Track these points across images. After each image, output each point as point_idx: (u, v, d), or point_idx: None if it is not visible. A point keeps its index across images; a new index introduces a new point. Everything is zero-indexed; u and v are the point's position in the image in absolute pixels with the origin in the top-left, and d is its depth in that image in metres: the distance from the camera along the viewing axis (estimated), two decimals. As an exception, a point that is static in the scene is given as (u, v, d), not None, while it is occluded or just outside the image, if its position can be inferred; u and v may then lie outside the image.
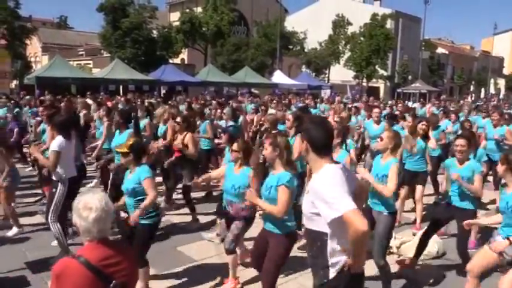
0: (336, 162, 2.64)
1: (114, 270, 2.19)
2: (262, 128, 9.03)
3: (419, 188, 6.72)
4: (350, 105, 15.58)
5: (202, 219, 6.85)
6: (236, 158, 4.52)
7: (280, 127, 7.61)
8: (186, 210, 6.88)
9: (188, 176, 6.72)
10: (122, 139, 5.87)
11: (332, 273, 2.52)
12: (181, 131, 6.86)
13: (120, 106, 12.63)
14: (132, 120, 7.35)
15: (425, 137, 6.76)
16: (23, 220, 6.51)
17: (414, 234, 5.99)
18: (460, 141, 4.89)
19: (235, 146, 4.53)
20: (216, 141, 8.82)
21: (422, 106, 18.43)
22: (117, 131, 6.71)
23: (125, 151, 4.28)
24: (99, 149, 7.55)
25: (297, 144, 5.67)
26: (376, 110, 8.55)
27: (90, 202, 2.20)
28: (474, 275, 4.07)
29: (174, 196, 7.56)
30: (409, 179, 6.69)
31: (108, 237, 2.28)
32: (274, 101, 15.74)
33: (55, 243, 5.38)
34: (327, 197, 2.36)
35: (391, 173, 4.27)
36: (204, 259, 5.35)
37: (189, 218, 6.77)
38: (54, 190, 5.23)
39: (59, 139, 5.17)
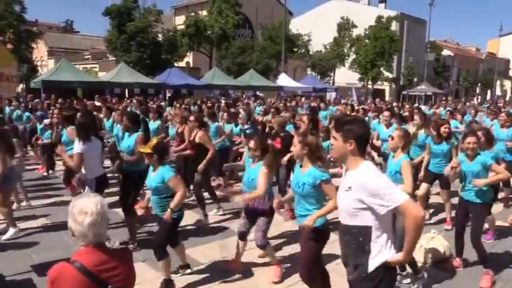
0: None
1: (110, 275, 2.16)
2: (273, 131, 9.04)
3: (443, 192, 6.86)
4: (357, 107, 15.53)
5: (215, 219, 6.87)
6: (253, 156, 4.75)
7: (289, 127, 7.78)
8: (192, 212, 6.88)
9: (200, 173, 6.82)
10: (131, 141, 5.92)
11: (372, 266, 2.57)
12: (192, 129, 7.05)
13: (128, 108, 12.72)
14: (142, 123, 7.40)
15: (449, 139, 6.75)
16: (28, 223, 6.54)
17: (447, 230, 6.52)
18: (471, 139, 4.93)
19: (252, 144, 4.74)
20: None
21: (430, 108, 18.35)
22: (126, 134, 6.73)
23: (149, 152, 4.51)
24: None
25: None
26: (386, 113, 8.52)
27: (85, 206, 2.15)
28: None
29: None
30: (431, 180, 6.82)
31: (104, 242, 2.24)
32: (281, 104, 15.78)
33: (117, 243, 5.43)
34: (380, 190, 2.48)
35: (405, 171, 4.49)
36: (210, 262, 5.34)
37: (195, 220, 6.77)
38: (82, 191, 5.40)
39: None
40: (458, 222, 5.26)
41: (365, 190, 2.51)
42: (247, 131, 6.45)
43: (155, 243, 4.57)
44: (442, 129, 6.71)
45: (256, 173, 4.63)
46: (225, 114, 10.73)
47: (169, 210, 4.36)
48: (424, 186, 6.76)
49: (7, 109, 12.22)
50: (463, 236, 5.18)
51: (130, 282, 2.34)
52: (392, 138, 4.74)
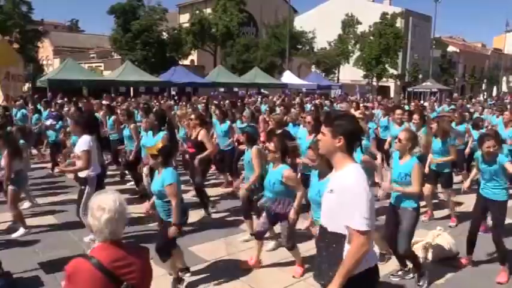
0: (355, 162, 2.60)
1: (126, 272, 2.18)
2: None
3: (445, 191, 6.88)
4: (361, 105, 15.48)
5: (211, 218, 6.92)
6: (273, 158, 4.72)
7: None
8: (197, 210, 6.91)
9: (200, 172, 6.83)
10: (155, 140, 6.00)
11: None
12: (194, 127, 6.99)
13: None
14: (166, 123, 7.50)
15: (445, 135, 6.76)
16: (36, 221, 6.60)
17: (451, 227, 6.53)
18: (490, 143, 4.86)
19: (271, 147, 4.72)
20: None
21: (439, 105, 18.30)
22: (151, 132, 6.80)
23: (155, 154, 4.52)
24: (135, 152, 7.64)
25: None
26: (398, 111, 8.52)
27: (104, 202, 2.19)
28: None
29: (187, 196, 7.57)
30: (434, 179, 6.83)
31: (120, 239, 2.26)
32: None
33: (87, 239, 5.53)
34: (352, 204, 2.36)
35: (415, 174, 4.43)
36: (215, 259, 5.35)
37: (199, 218, 6.82)
38: (83, 187, 5.44)
39: (86, 138, 5.37)
40: (474, 220, 5.24)
41: (343, 197, 2.41)
42: (248, 129, 6.36)
43: (157, 246, 4.46)
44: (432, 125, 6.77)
45: (279, 176, 4.59)
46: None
47: (173, 228, 4.28)
48: (428, 188, 6.74)
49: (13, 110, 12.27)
50: (476, 234, 5.18)
51: (146, 279, 2.35)
52: (400, 141, 4.63)
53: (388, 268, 5.00)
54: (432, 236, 5.62)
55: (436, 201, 7.66)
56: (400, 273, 4.86)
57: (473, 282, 4.84)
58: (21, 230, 6.06)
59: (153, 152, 4.57)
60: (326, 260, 2.56)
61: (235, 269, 5.03)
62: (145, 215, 5.03)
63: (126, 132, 8.17)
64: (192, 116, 7.22)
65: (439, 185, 7.17)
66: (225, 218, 7.04)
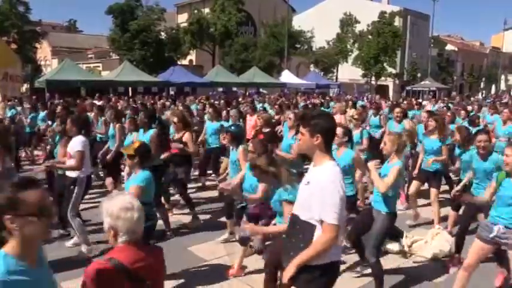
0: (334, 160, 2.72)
1: (146, 272, 2.17)
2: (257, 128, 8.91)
3: (432, 191, 6.61)
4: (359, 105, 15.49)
5: (210, 219, 6.90)
6: (252, 159, 4.54)
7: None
8: (196, 210, 6.90)
9: (182, 174, 6.74)
10: (146, 138, 6.00)
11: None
12: (178, 130, 6.83)
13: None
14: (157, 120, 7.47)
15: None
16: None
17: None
18: (482, 137, 4.87)
19: (250, 147, 4.67)
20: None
21: (435, 103, 18.31)
22: (141, 130, 6.79)
23: (131, 153, 4.30)
24: (116, 151, 7.55)
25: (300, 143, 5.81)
26: (397, 109, 8.55)
27: (130, 202, 2.18)
28: (469, 272, 4.17)
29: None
30: (423, 179, 6.70)
31: (139, 240, 2.25)
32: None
33: (70, 243, 5.52)
34: (327, 199, 2.52)
35: (390, 172, 4.30)
36: (214, 259, 5.34)
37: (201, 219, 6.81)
38: (72, 187, 5.38)
39: (81, 138, 5.33)
40: (464, 221, 5.20)
41: (318, 191, 2.55)
42: (232, 128, 6.13)
43: None
44: (429, 123, 6.69)
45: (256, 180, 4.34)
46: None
47: None
48: (414, 184, 6.65)
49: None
50: (464, 235, 5.11)
51: (161, 279, 2.39)
52: (385, 144, 4.54)
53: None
54: (431, 234, 5.63)
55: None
56: (358, 268, 4.84)
57: (473, 282, 4.83)
58: None
59: (130, 151, 4.35)
60: (294, 246, 2.67)
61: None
62: None
63: (111, 131, 8.07)
64: (175, 119, 6.96)
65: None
66: (222, 217, 7.00)
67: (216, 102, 15.90)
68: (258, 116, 8.97)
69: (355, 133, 7.04)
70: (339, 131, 4.94)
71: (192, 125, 8.36)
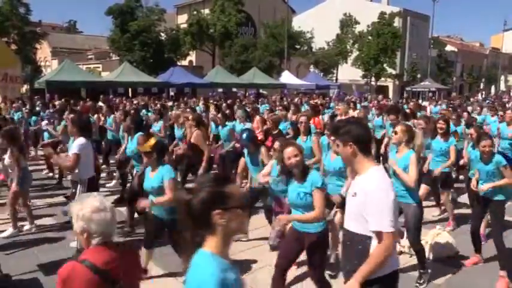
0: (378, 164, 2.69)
1: (119, 272, 2.18)
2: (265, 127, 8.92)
3: (443, 192, 6.72)
4: (360, 105, 15.47)
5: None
6: (278, 158, 4.61)
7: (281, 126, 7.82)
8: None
9: (182, 173, 6.84)
10: (134, 142, 5.97)
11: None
12: (191, 128, 7.00)
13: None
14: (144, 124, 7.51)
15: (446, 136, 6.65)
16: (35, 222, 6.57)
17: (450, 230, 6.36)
18: (487, 142, 4.87)
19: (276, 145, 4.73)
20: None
21: (435, 104, 18.31)
22: (129, 137, 6.84)
23: (148, 151, 4.46)
24: (123, 152, 7.64)
25: (316, 146, 6.06)
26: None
27: (101, 204, 2.18)
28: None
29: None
30: (431, 179, 6.67)
31: (112, 240, 2.26)
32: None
33: (74, 244, 5.46)
34: (379, 207, 2.45)
35: (411, 163, 4.47)
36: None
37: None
38: (74, 191, 5.38)
39: (80, 141, 5.28)
40: (474, 219, 5.24)
41: (369, 201, 2.49)
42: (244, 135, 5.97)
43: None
44: (438, 125, 6.65)
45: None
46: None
47: (150, 200, 4.40)
48: (423, 187, 6.60)
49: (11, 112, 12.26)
50: (478, 233, 5.19)
51: (137, 279, 2.37)
52: (396, 133, 4.73)
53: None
54: (432, 235, 5.62)
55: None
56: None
57: (474, 282, 4.83)
58: (10, 230, 6.06)
59: (146, 149, 4.48)
60: (351, 259, 2.63)
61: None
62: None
63: (121, 132, 8.29)
64: (190, 117, 7.19)
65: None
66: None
67: (219, 103, 15.83)
68: (268, 117, 8.94)
69: None
70: None
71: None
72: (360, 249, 2.56)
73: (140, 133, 6.64)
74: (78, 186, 5.30)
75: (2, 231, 6.15)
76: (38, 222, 6.62)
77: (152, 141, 4.61)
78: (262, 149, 5.63)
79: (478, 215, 5.23)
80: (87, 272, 2.08)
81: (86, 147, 5.32)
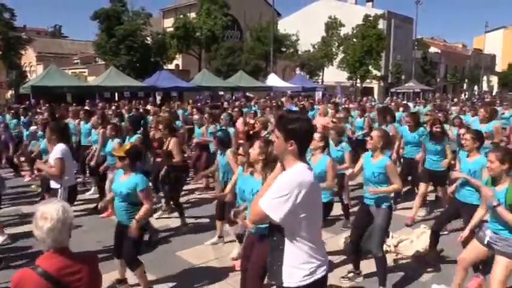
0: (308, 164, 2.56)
1: (73, 280, 2.18)
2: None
3: (441, 188, 6.98)
4: (342, 106, 15.64)
5: (199, 222, 6.99)
6: (241, 162, 4.61)
7: None
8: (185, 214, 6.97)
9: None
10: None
11: (285, 281, 2.48)
12: (164, 137, 6.75)
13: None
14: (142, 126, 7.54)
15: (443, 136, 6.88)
16: (17, 229, 6.51)
17: (407, 226, 6.64)
18: (466, 136, 5.03)
19: (240, 150, 4.69)
20: None
21: (425, 105, 18.65)
22: (127, 137, 6.86)
23: (122, 155, 4.37)
24: (97, 156, 7.62)
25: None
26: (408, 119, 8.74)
27: (46, 212, 2.18)
28: (463, 267, 4.22)
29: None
30: (428, 178, 6.92)
31: (66, 247, 2.25)
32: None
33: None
34: (273, 187, 2.38)
35: (392, 172, 4.50)
36: (203, 263, 5.40)
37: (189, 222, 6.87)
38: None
39: (61, 146, 5.22)
40: (442, 220, 5.35)
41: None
42: (219, 133, 6.11)
43: (126, 255, 4.33)
44: (434, 129, 6.82)
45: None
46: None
47: (134, 222, 4.19)
48: (423, 185, 6.91)
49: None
50: (439, 233, 5.26)
51: (95, 286, 2.38)
52: (372, 138, 4.61)
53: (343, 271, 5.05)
54: (416, 234, 5.78)
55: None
56: (350, 275, 4.87)
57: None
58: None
59: (120, 153, 4.40)
60: (277, 259, 2.52)
61: (224, 272, 5.08)
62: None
63: (93, 137, 8.12)
64: (160, 126, 6.89)
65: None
66: (212, 221, 7.09)
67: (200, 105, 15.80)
68: (256, 120, 9.00)
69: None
70: (316, 135, 5.05)
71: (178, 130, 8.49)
72: (276, 248, 2.51)
73: (138, 135, 6.69)
74: (60, 193, 5.20)
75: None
76: (23, 228, 6.48)
77: (127, 146, 4.59)
78: (228, 152, 5.67)
79: (447, 218, 5.34)
80: (37, 279, 2.11)
81: (67, 153, 5.27)
